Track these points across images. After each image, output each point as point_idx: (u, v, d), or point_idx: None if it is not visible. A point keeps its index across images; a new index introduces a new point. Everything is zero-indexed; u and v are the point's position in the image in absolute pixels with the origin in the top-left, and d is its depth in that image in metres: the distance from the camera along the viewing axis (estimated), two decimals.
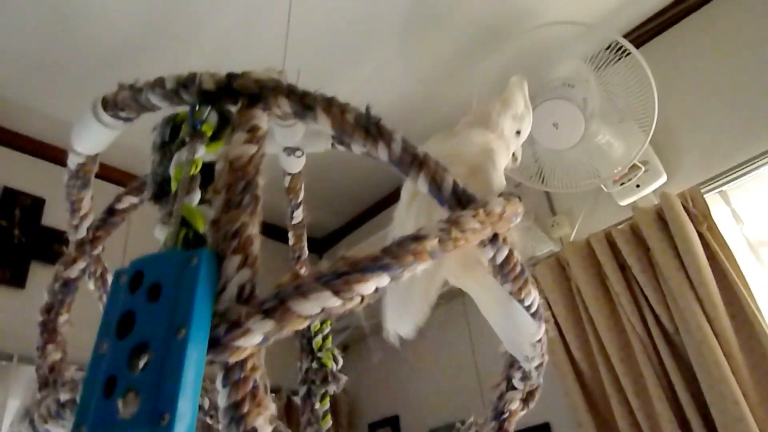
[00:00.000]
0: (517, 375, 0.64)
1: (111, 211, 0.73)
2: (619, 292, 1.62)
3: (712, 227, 1.52)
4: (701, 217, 1.52)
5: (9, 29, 1.69)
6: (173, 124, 0.50)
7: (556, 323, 1.78)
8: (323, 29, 1.78)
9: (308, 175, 0.94)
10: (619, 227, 1.71)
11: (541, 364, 0.63)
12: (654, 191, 1.77)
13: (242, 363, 0.35)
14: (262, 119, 0.44)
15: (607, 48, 1.65)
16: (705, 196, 1.59)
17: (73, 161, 0.63)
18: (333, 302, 0.35)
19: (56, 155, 2.07)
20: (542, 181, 1.79)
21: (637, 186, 1.80)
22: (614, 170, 1.72)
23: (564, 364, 1.74)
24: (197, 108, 0.48)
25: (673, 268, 1.49)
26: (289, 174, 0.90)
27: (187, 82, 0.48)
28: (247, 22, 1.74)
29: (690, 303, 1.42)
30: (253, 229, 0.38)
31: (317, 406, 0.86)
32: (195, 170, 0.45)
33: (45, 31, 1.70)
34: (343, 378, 0.88)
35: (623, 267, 1.66)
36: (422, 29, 1.88)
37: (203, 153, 0.47)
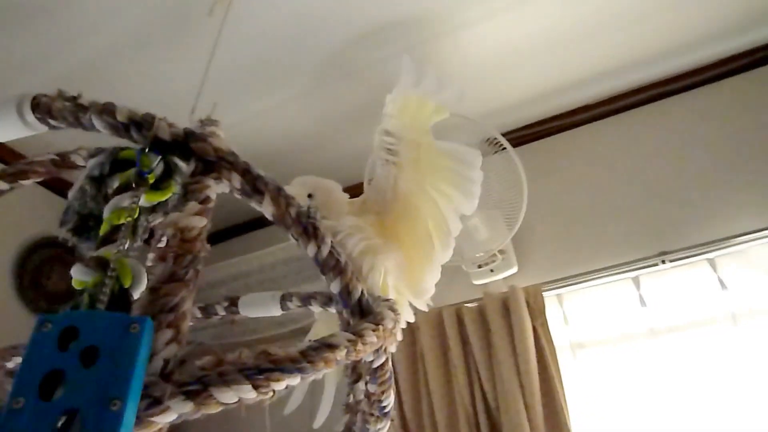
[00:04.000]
0: None
1: None
2: (457, 364, 1.76)
3: (544, 324, 1.72)
4: (538, 313, 1.73)
5: None
6: (114, 159, 0.49)
7: (397, 382, 1.88)
8: (243, 59, 1.76)
9: None
10: (469, 305, 1.87)
11: None
12: (504, 279, 1.98)
13: None
14: (214, 191, 0.45)
15: (487, 141, 1.82)
16: (544, 294, 1.81)
17: None
18: (250, 394, 0.37)
19: None
20: None
21: (491, 271, 1.99)
22: (476, 254, 1.90)
23: (395, 420, 1.84)
24: (146, 152, 0.48)
25: (506, 353, 1.66)
26: None
27: (141, 123, 0.47)
28: (172, 42, 1.68)
29: (513, 388, 1.60)
30: (190, 305, 0.39)
31: None
32: (131, 218, 0.45)
33: None
34: None
35: (465, 342, 1.81)
36: (332, 78, 1.92)
37: (142, 201, 0.47)
